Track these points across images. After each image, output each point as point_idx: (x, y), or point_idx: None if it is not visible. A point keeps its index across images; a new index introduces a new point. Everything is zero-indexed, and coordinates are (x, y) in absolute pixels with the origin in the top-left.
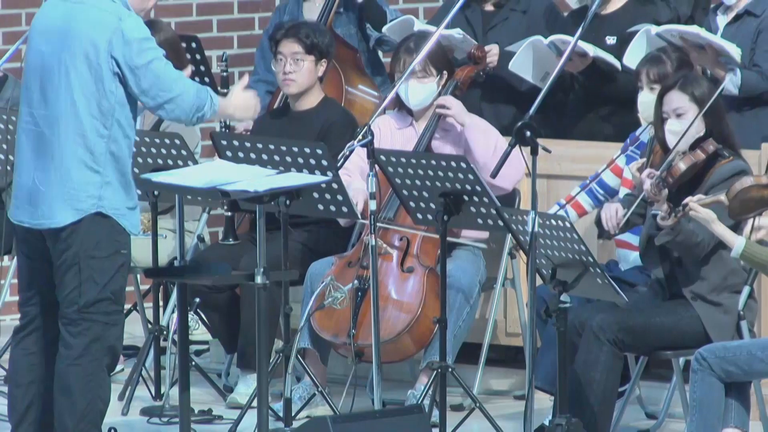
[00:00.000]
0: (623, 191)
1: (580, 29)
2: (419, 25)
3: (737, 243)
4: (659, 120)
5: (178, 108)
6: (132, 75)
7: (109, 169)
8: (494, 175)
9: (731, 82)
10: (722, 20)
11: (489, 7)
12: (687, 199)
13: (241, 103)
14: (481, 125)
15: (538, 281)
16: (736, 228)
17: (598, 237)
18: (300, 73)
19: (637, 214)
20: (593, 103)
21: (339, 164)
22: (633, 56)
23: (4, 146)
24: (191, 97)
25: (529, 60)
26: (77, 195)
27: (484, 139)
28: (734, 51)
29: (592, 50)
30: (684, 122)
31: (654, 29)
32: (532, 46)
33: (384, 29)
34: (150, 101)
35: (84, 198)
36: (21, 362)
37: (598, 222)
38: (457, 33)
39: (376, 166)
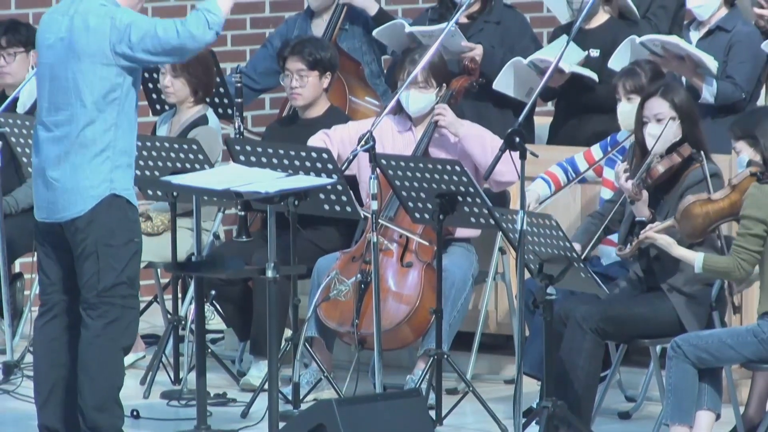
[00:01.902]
0: (604, 191)
1: (561, 51)
2: (409, 28)
3: (697, 260)
4: (640, 124)
5: (197, 50)
6: (142, 53)
7: (117, 154)
8: (487, 176)
9: (708, 92)
10: (695, 35)
11: (463, 19)
12: (642, 232)
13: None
14: (472, 131)
15: (527, 275)
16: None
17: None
18: (305, 87)
19: (617, 221)
20: (575, 111)
21: (343, 168)
22: (617, 62)
23: (27, 150)
24: (195, 33)
25: (510, 79)
26: (92, 183)
27: (480, 145)
28: (711, 63)
29: (568, 68)
30: (663, 126)
31: (638, 38)
32: (513, 67)
33: (374, 33)
34: (172, 58)
35: (98, 184)
36: (45, 347)
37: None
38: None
39: (378, 169)
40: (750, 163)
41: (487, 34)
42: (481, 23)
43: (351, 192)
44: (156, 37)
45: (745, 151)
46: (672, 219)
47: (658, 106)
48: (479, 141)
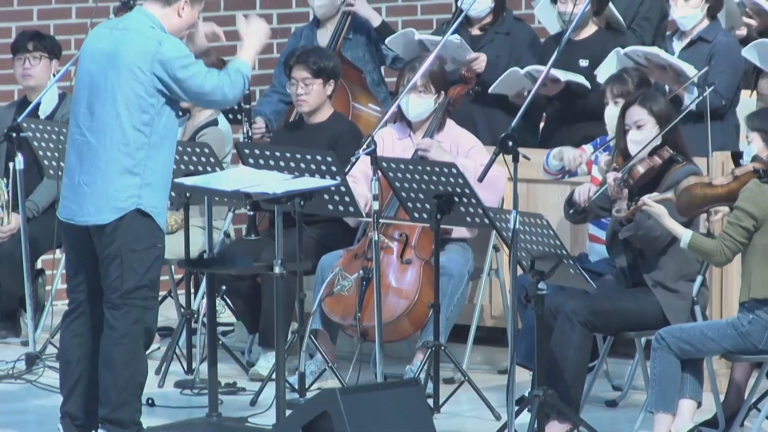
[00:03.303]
0: (592, 188)
1: (552, 59)
2: (419, 35)
3: (685, 235)
4: (621, 131)
5: (225, 102)
6: (178, 87)
7: (148, 173)
8: (481, 179)
9: (689, 99)
10: (677, 45)
11: (476, 31)
12: (641, 199)
13: (255, 43)
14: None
15: (519, 271)
16: (690, 225)
17: (566, 214)
18: (310, 95)
19: (600, 208)
20: (567, 117)
21: (347, 170)
22: (604, 72)
23: (56, 154)
24: (229, 90)
25: (507, 85)
26: (119, 195)
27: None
28: (691, 72)
29: (562, 75)
30: (643, 132)
31: (622, 50)
32: (510, 75)
33: (387, 40)
34: (199, 104)
35: (125, 198)
36: (70, 343)
37: (569, 200)
38: (455, 38)
39: (379, 171)
40: (755, 158)
41: (497, 44)
42: (492, 34)
43: (353, 193)
44: (193, 78)
45: (755, 143)
46: (671, 192)
47: (638, 113)
48: (464, 159)
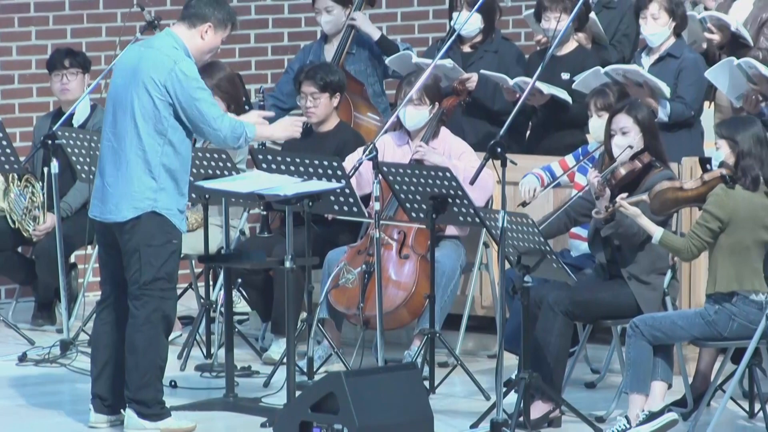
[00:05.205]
0: (574, 193)
1: (537, 71)
2: (415, 59)
3: (657, 232)
4: (608, 136)
5: (216, 139)
6: (181, 107)
7: (163, 178)
8: (473, 181)
9: (662, 113)
10: (647, 61)
11: (467, 49)
12: (617, 198)
13: (278, 132)
14: (440, 160)
15: (507, 265)
16: (664, 224)
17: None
18: (318, 107)
19: (581, 215)
20: (551, 125)
21: (350, 174)
22: (581, 84)
23: (87, 159)
24: (226, 132)
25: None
26: (137, 196)
27: (457, 164)
28: (665, 88)
29: (546, 89)
30: (628, 138)
31: (602, 69)
32: (499, 82)
33: (387, 61)
34: (194, 130)
35: (142, 199)
36: (100, 329)
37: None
38: (447, 63)
39: (380, 175)
40: (722, 164)
41: (486, 61)
42: (482, 52)
43: (357, 195)
44: (200, 102)
45: (723, 149)
46: (645, 195)
47: (624, 120)
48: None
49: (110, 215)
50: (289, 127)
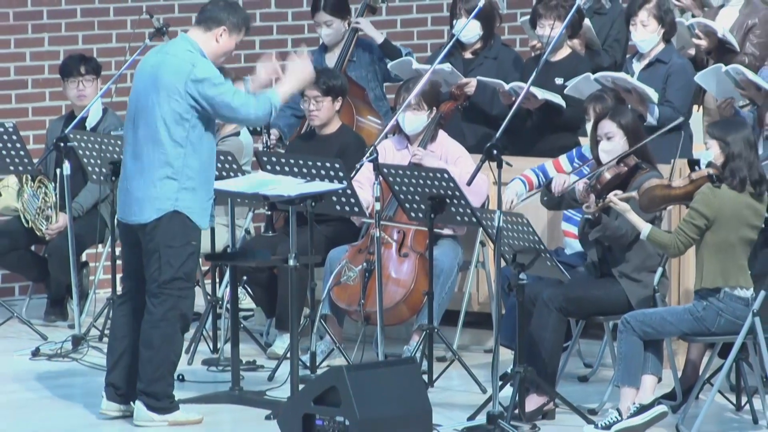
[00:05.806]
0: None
1: (532, 77)
2: (416, 64)
3: (645, 228)
4: (594, 141)
5: (251, 123)
6: (209, 104)
7: (185, 178)
8: (469, 182)
9: (651, 117)
10: (637, 66)
11: (468, 55)
12: (607, 196)
13: (294, 82)
14: (437, 164)
15: (503, 263)
16: (653, 222)
17: (541, 200)
18: (321, 111)
19: (573, 200)
20: (545, 129)
21: (352, 175)
22: (573, 89)
23: (98, 161)
24: (257, 113)
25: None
26: (159, 197)
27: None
28: (653, 93)
29: (540, 94)
30: (612, 143)
31: (592, 76)
32: (496, 87)
33: (389, 66)
34: (228, 121)
35: (164, 200)
36: (118, 322)
37: (546, 187)
38: (446, 67)
39: (380, 176)
40: (710, 164)
41: (486, 67)
42: (482, 58)
43: (358, 196)
44: (222, 96)
45: (713, 149)
46: (635, 192)
47: (608, 126)
48: (454, 167)
49: (134, 217)
50: (300, 75)
